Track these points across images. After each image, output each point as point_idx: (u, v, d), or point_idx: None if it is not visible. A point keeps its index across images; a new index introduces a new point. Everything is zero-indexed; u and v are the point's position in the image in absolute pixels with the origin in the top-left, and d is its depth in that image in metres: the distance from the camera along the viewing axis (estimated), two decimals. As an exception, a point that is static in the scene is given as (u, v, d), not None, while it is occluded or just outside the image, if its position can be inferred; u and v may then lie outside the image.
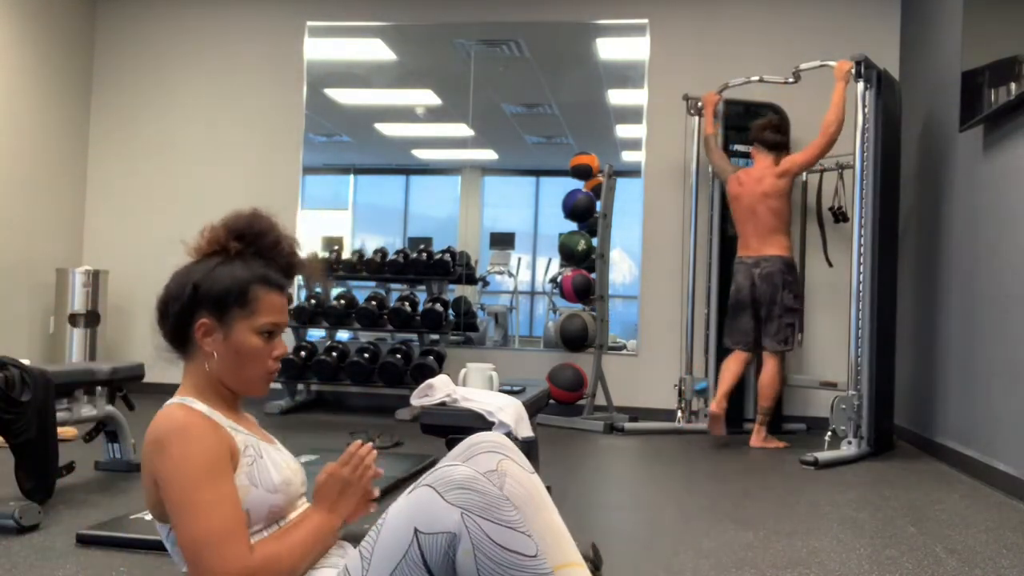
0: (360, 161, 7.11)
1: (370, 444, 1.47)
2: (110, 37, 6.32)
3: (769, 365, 4.56)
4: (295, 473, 1.44)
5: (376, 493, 1.46)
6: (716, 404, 4.50)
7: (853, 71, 4.38)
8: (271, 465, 1.37)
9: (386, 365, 5.27)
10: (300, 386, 5.64)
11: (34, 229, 5.78)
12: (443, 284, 5.69)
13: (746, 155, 5.28)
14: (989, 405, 3.67)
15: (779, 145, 4.69)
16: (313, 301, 5.52)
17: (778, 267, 4.53)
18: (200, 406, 1.36)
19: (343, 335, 5.89)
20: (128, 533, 2.34)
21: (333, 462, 1.44)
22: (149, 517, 2.42)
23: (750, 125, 4.88)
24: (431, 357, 5.29)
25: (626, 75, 6.05)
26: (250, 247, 1.45)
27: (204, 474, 1.27)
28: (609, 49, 6.07)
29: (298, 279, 1.54)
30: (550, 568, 1.27)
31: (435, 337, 5.52)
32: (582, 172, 5.67)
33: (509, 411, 2.19)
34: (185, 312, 1.39)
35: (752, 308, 4.60)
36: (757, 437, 4.54)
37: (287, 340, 5.56)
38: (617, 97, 6.19)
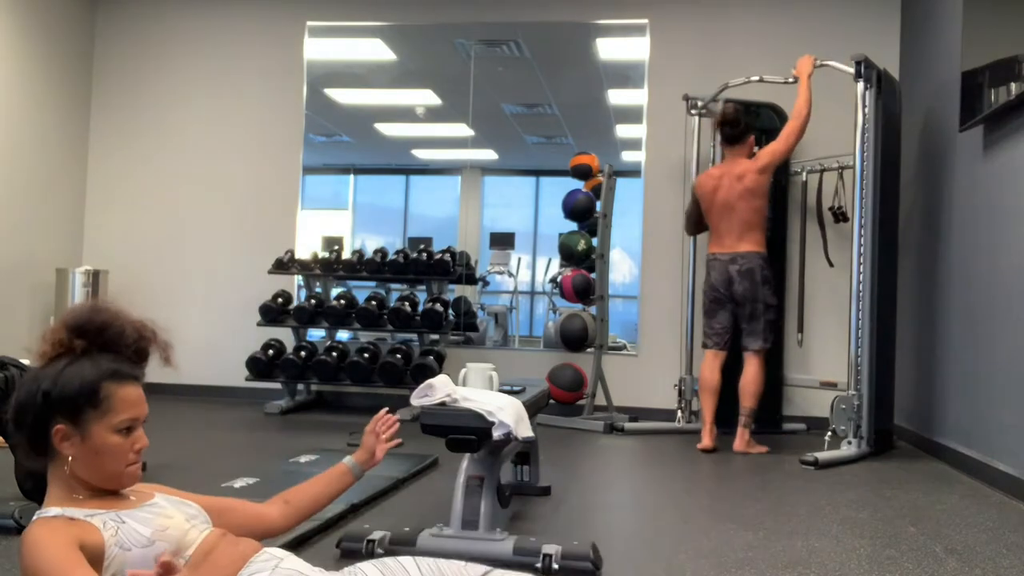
0: (360, 161, 7.11)
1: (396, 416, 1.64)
2: (110, 37, 6.32)
3: (752, 365, 4.44)
4: (170, 515, 1.45)
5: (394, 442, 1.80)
6: (709, 438, 4.36)
7: (817, 63, 4.52)
8: (136, 524, 1.39)
9: (386, 365, 5.27)
10: (300, 386, 5.64)
11: (34, 229, 5.78)
12: (443, 284, 5.69)
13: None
14: (989, 405, 3.67)
15: (740, 137, 4.54)
16: (313, 301, 5.52)
17: (756, 263, 4.43)
18: (53, 511, 1.37)
19: (343, 335, 5.90)
20: (128, 533, 2.34)
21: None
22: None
23: (752, 125, 4.87)
24: (431, 357, 5.29)
25: (626, 75, 6.05)
26: (95, 342, 1.44)
27: (56, 571, 1.28)
28: (609, 49, 6.07)
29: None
30: None
31: (435, 337, 5.52)
32: (582, 172, 5.67)
33: (509, 411, 2.19)
34: (40, 420, 1.39)
35: (731, 306, 4.51)
36: (740, 441, 4.36)
37: (287, 340, 5.58)
38: (617, 97, 6.19)
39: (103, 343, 1.45)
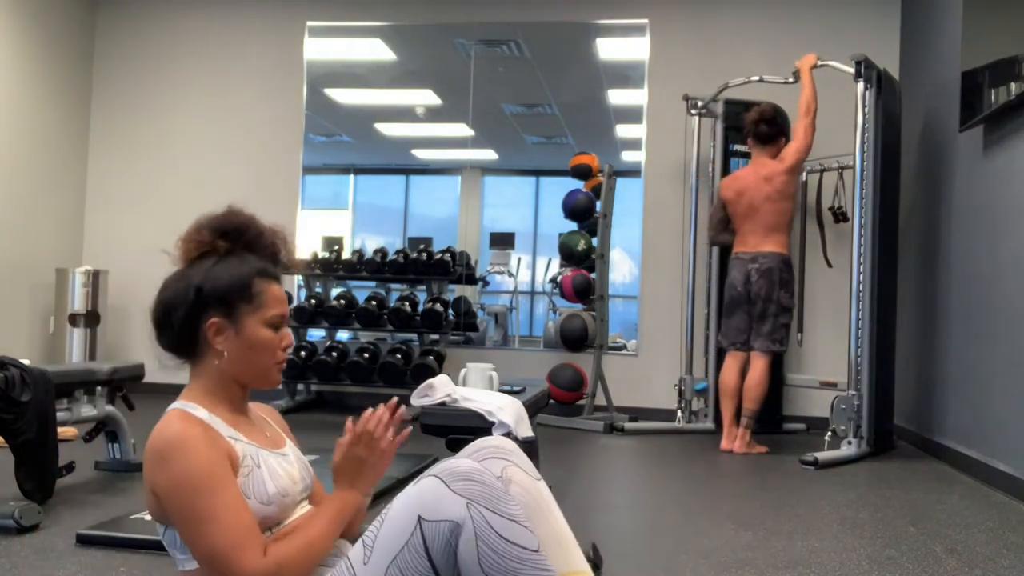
0: (360, 161, 7.11)
1: (382, 409, 1.49)
2: (110, 38, 6.32)
3: (758, 366, 4.40)
4: (295, 482, 1.43)
5: (403, 435, 1.51)
6: (728, 440, 4.37)
7: (818, 61, 4.54)
8: (267, 476, 1.36)
9: (386, 365, 5.27)
10: (300, 386, 5.64)
11: (34, 229, 5.78)
12: (443, 284, 5.69)
13: (747, 155, 5.28)
14: (989, 405, 3.67)
15: (775, 137, 4.55)
16: (313, 301, 5.52)
17: (776, 264, 4.41)
18: (202, 413, 1.35)
19: (343, 335, 5.89)
20: (128, 533, 2.34)
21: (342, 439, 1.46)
22: (149, 517, 2.42)
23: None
24: (431, 357, 5.29)
25: (626, 75, 6.05)
26: (237, 242, 1.45)
27: (206, 486, 1.26)
28: (609, 49, 6.07)
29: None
30: (551, 566, 1.27)
31: (435, 337, 5.52)
32: (582, 172, 5.67)
33: (509, 411, 2.19)
34: (191, 316, 1.38)
35: (747, 305, 4.49)
36: (741, 442, 4.35)
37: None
38: (617, 97, 6.19)
39: (244, 243, 1.45)
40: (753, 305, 4.46)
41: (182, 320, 1.38)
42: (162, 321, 1.41)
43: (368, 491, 1.45)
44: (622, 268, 6.09)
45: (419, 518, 1.24)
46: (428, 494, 1.26)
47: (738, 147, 5.27)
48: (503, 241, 6.57)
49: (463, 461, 1.30)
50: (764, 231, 4.46)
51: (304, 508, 1.45)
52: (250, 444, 1.38)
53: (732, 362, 4.52)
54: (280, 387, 5.48)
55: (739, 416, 4.41)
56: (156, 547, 2.16)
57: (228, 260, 1.42)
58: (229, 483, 1.29)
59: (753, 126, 4.58)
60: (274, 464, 1.40)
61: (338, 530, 1.38)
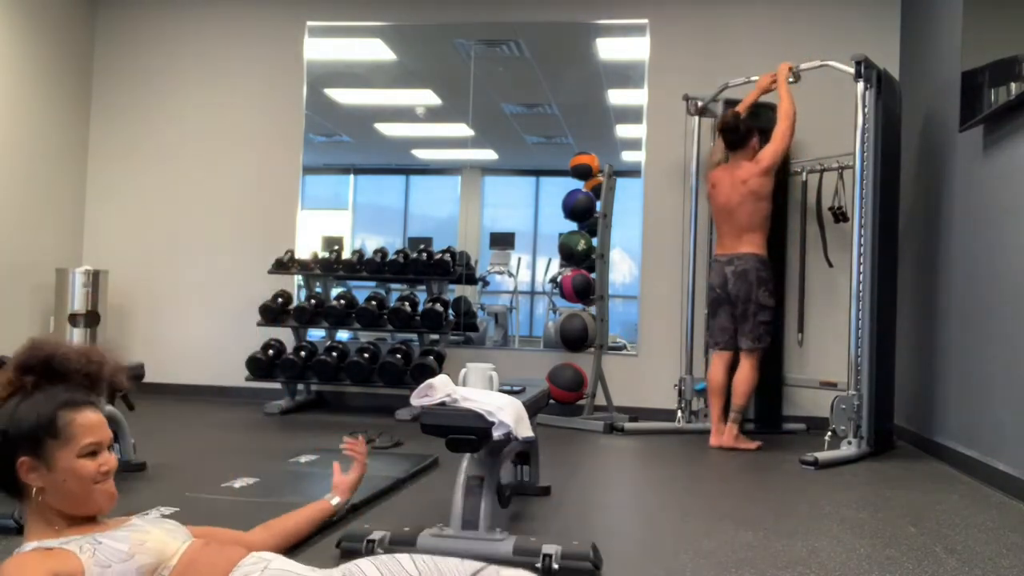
0: (360, 161, 7.11)
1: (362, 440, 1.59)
2: (110, 38, 6.32)
3: (746, 365, 4.53)
4: (148, 531, 1.46)
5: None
6: (716, 436, 4.47)
7: (795, 68, 4.68)
8: (113, 542, 1.40)
9: (386, 365, 5.27)
10: (300, 386, 5.64)
11: (34, 229, 5.78)
12: (443, 284, 5.69)
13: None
14: (989, 405, 3.67)
15: (741, 141, 4.62)
16: (313, 301, 5.52)
17: (752, 265, 4.50)
18: (30, 546, 1.38)
19: (343, 335, 5.90)
20: (128, 533, 2.34)
21: (337, 458, 1.49)
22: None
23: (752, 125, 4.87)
24: (431, 357, 5.29)
25: (626, 75, 6.05)
26: (43, 376, 1.45)
27: None
28: (609, 49, 6.07)
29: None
30: None
31: (435, 337, 5.52)
32: (582, 172, 5.67)
33: (509, 411, 2.19)
34: (3, 460, 1.40)
35: (728, 306, 4.59)
36: (728, 435, 4.44)
37: (288, 340, 5.58)
38: (617, 97, 6.19)
39: (52, 375, 1.46)
40: (734, 306, 4.56)
41: None
42: None
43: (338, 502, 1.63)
44: (622, 268, 6.09)
45: None
46: None
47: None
48: (503, 241, 6.56)
49: None
50: (739, 232, 4.56)
51: (184, 542, 1.48)
52: (84, 536, 1.41)
53: (718, 361, 4.64)
54: (280, 387, 5.49)
55: (727, 413, 4.53)
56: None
57: (34, 397, 1.43)
58: None
59: (721, 136, 4.69)
60: (116, 533, 1.44)
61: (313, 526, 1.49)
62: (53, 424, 1.40)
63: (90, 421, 1.43)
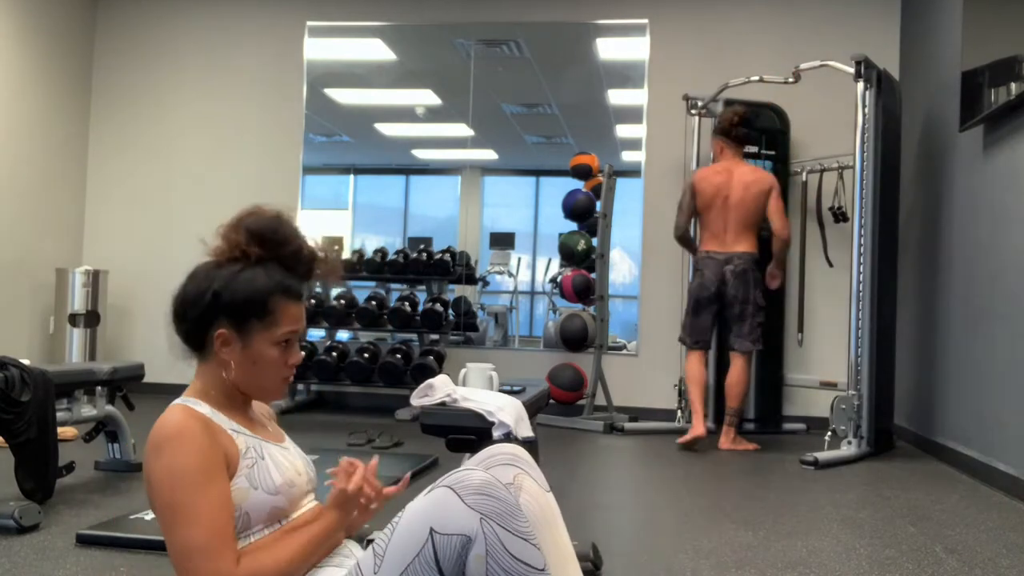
0: (360, 161, 7.11)
1: (359, 467, 1.44)
2: (110, 37, 6.31)
3: (739, 365, 4.47)
4: (300, 473, 1.43)
5: (385, 493, 1.47)
6: (703, 426, 4.39)
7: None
8: (273, 467, 1.37)
9: (386, 365, 5.27)
10: (300, 386, 5.64)
11: (34, 229, 5.78)
12: (443, 284, 5.69)
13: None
14: (989, 405, 3.67)
15: (750, 139, 4.68)
16: (313, 301, 5.52)
17: (750, 264, 4.47)
18: (203, 408, 1.35)
19: (343, 335, 5.89)
20: (128, 533, 2.34)
21: (338, 457, 1.44)
22: (149, 517, 2.42)
23: (752, 125, 4.86)
24: (431, 357, 5.29)
25: (626, 75, 6.05)
26: (271, 254, 1.43)
27: (192, 482, 1.25)
28: (609, 49, 6.07)
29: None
30: None
31: (435, 337, 5.52)
32: (582, 172, 5.67)
33: (509, 411, 2.18)
34: (203, 319, 1.38)
35: (715, 306, 4.51)
36: (726, 439, 4.42)
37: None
38: (617, 97, 6.19)
39: (279, 257, 1.43)
40: (730, 307, 4.49)
41: (195, 320, 1.39)
42: (178, 313, 1.41)
43: (351, 516, 1.43)
44: (622, 268, 6.09)
45: (431, 530, 1.23)
46: (441, 506, 1.24)
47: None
48: (503, 241, 6.57)
49: (476, 473, 1.29)
50: (738, 230, 4.50)
51: (311, 501, 1.46)
52: (253, 437, 1.38)
53: (698, 359, 4.57)
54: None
55: (713, 414, 4.54)
56: (156, 547, 2.16)
57: (254, 270, 1.40)
58: (217, 483, 1.28)
59: (732, 128, 4.61)
60: (278, 456, 1.40)
61: (318, 550, 1.36)
62: (264, 306, 1.37)
63: (295, 312, 1.41)
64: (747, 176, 4.54)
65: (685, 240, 4.74)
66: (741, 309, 4.47)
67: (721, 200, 4.51)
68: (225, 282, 1.38)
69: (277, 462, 1.38)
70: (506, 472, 1.46)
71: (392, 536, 1.26)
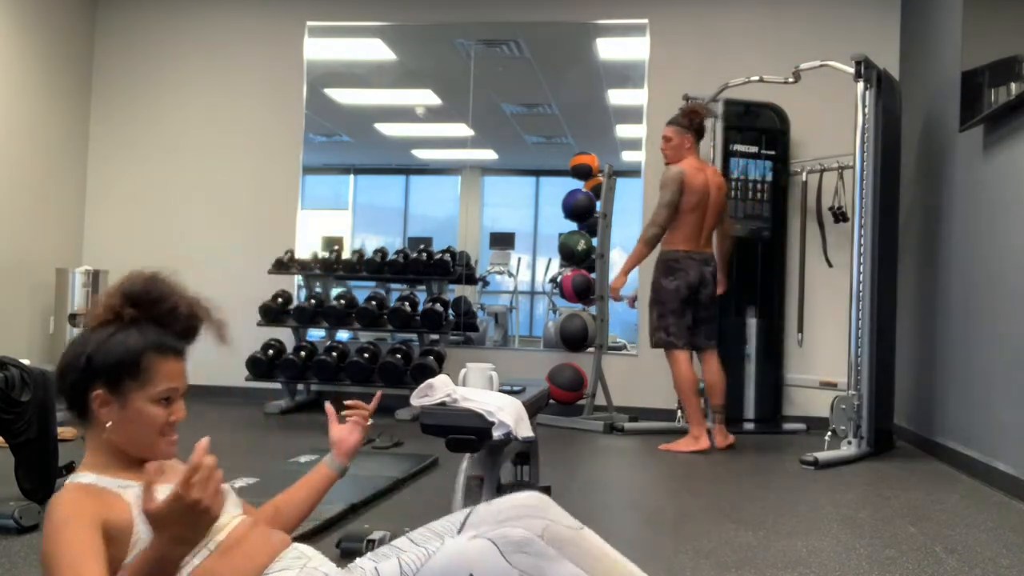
0: (360, 161, 7.12)
1: (212, 457, 1.35)
2: (110, 37, 6.31)
3: (718, 362, 4.52)
4: None
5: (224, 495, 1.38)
6: (708, 437, 4.35)
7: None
8: None
9: (386, 365, 5.27)
10: (300, 386, 5.64)
11: (34, 229, 5.78)
12: (443, 284, 5.69)
13: (747, 155, 5.29)
14: (989, 405, 3.67)
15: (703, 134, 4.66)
16: (313, 301, 5.52)
17: (716, 267, 4.56)
18: (88, 478, 1.37)
19: (343, 335, 5.90)
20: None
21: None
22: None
23: (752, 125, 4.87)
24: (431, 357, 5.29)
25: (626, 75, 6.05)
26: (145, 313, 1.44)
27: (65, 551, 1.25)
28: (609, 49, 6.08)
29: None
30: None
31: (435, 337, 5.52)
32: (582, 172, 5.67)
33: (509, 411, 2.18)
34: (81, 383, 1.39)
35: (693, 306, 4.45)
36: (723, 437, 4.41)
37: (288, 340, 5.58)
38: (617, 97, 6.19)
39: (154, 315, 1.45)
40: (705, 307, 4.49)
41: (73, 385, 1.40)
42: (60, 380, 1.43)
43: (195, 544, 1.29)
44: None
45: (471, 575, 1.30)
46: (484, 556, 1.31)
47: (739, 147, 5.27)
48: (503, 241, 6.57)
49: (517, 530, 1.35)
50: (709, 232, 4.53)
51: (235, 519, 1.46)
52: (141, 485, 1.36)
53: (687, 358, 4.49)
54: (280, 387, 5.49)
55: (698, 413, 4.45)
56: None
57: (127, 331, 1.42)
58: (91, 560, 1.25)
59: (701, 123, 4.56)
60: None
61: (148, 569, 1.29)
62: (137, 365, 1.39)
63: (172, 370, 1.42)
64: (717, 177, 4.57)
65: (660, 239, 4.51)
66: (711, 310, 4.52)
67: (704, 201, 4.43)
68: (98, 345, 1.40)
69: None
70: (534, 525, 1.47)
71: (427, 563, 1.33)
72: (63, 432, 3.28)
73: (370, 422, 1.85)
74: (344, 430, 1.81)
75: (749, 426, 5.18)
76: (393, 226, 7.00)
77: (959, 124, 3.96)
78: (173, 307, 1.47)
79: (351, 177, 7.01)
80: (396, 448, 4.09)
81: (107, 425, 1.38)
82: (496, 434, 2.14)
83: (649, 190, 5.72)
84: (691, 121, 4.52)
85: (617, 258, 5.84)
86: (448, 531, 1.53)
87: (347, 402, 1.86)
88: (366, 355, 5.38)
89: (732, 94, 5.20)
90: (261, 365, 5.39)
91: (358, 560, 1.48)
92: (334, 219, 6.79)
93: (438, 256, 5.56)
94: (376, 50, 6.29)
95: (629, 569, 1.49)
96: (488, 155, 6.81)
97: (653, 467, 4.03)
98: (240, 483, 3.01)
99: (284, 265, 5.65)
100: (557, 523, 1.48)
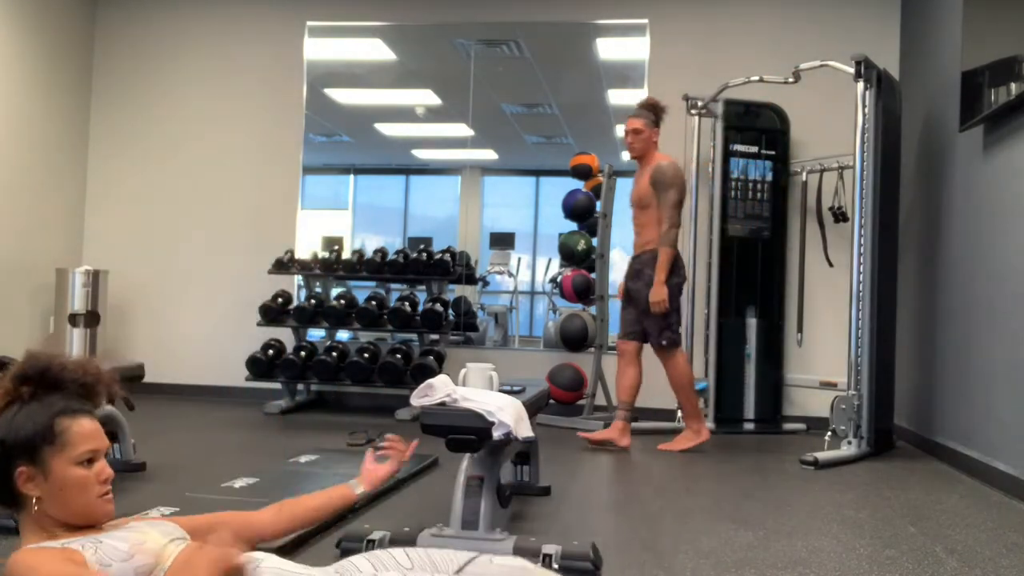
0: (360, 161, 7.12)
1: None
2: (110, 37, 6.32)
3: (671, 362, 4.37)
4: (147, 532, 1.47)
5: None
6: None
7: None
8: (115, 542, 1.40)
9: (386, 365, 5.27)
10: (300, 386, 5.64)
11: (34, 229, 5.78)
12: (443, 284, 5.69)
13: (747, 155, 5.29)
14: (989, 405, 3.67)
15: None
16: (313, 301, 5.52)
17: None
18: (31, 547, 1.38)
19: (343, 335, 5.90)
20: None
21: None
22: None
23: (752, 125, 4.85)
24: (431, 357, 5.29)
25: (626, 75, 6.05)
26: (40, 386, 1.46)
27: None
28: (609, 49, 6.07)
29: None
30: None
31: (435, 337, 5.52)
32: (582, 172, 5.67)
33: (509, 411, 2.19)
34: (1, 469, 1.40)
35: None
36: (689, 439, 4.34)
37: (288, 340, 5.58)
38: (617, 97, 6.19)
39: (48, 385, 1.47)
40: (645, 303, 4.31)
41: None
42: None
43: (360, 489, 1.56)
44: (622, 268, 6.07)
45: None
46: None
47: (738, 147, 5.27)
48: (503, 241, 6.57)
49: None
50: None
51: (183, 545, 1.49)
52: (86, 537, 1.41)
53: (686, 355, 4.45)
54: (280, 387, 5.49)
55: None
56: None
57: (30, 406, 1.43)
58: (84, 568, 1.32)
59: (660, 111, 4.38)
60: (116, 532, 1.44)
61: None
62: (50, 431, 1.40)
63: (86, 429, 1.44)
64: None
65: None
66: (647, 308, 4.32)
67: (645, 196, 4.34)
68: (6, 426, 1.41)
69: (117, 537, 1.42)
70: None
71: None
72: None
73: (407, 461, 2.10)
74: (374, 461, 2.02)
75: (749, 426, 5.18)
76: (393, 226, 7.00)
77: (959, 124, 3.96)
78: (60, 369, 1.48)
79: (351, 177, 7.01)
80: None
81: (34, 500, 1.39)
82: (496, 434, 2.14)
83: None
84: (658, 116, 4.39)
85: (617, 258, 5.84)
86: (446, 569, 1.55)
87: (388, 436, 2.07)
88: (366, 355, 5.38)
89: (732, 94, 5.20)
90: (261, 365, 5.39)
91: (353, 558, 1.49)
92: (334, 219, 6.79)
93: (438, 256, 5.56)
94: (376, 50, 6.29)
95: None
96: (488, 155, 6.81)
97: (653, 467, 4.03)
98: (240, 483, 3.01)
99: (284, 265, 5.65)
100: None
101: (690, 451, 4.30)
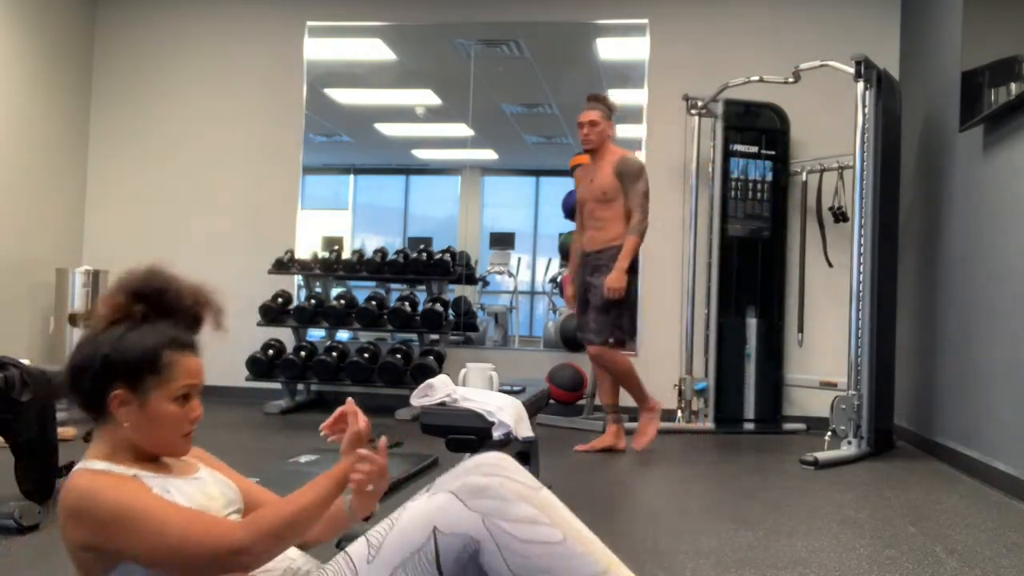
0: (360, 161, 7.12)
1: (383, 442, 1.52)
2: (110, 37, 6.31)
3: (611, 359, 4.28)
4: (213, 497, 1.44)
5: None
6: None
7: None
8: (180, 497, 1.37)
9: (386, 365, 5.27)
10: (300, 386, 5.64)
11: (34, 229, 5.78)
12: (443, 284, 5.69)
13: (747, 155, 5.28)
14: (989, 405, 3.67)
15: None
16: (313, 301, 5.52)
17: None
18: (100, 465, 1.36)
19: (343, 335, 5.90)
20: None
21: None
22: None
23: (752, 125, 4.85)
24: (431, 357, 5.29)
25: (626, 75, 6.05)
26: (153, 307, 1.44)
27: (140, 507, 1.27)
28: (609, 49, 6.08)
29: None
30: (581, 549, 1.31)
31: (435, 337, 5.52)
32: (582, 172, 5.66)
33: (509, 411, 2.19)
34: (98, 384, 1.38)
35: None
36: (652, 421, 4.25)
37: (288, 340, 5.58)
38: (617, 97, 6.16)
39: (161, 308, 1.44)
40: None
41: (89, 387, 1.39)
42: (72, 383, 1.41)
43: (346, 473, 1.46)
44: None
45: (435, 529, 1.30)
46: (444, 508, 1.32)
47: (738, 147, 5.27)
48: (503, 241, 6.57)
49: (474, 478, 1.36)
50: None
51: (235, 520, 1.45)
52: (155, 476, 1.38)
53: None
54: (280, 387, 5.49)
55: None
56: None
57: (141, 328, 1.41)
58: (153, 497, 1.30)
59: (610, 106, 4.30)
60: (185, 487, 1.40)
61: (321, 507, 1.39)
62: (157, 361, 1.37)
63: (191, 365, 1.41)
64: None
65: None
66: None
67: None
68: (114, 344, 1.38)
69: (183, 492, 1.38)
70: (493, 480, 1.46)
71: (390, 531, 1.33)
72: (63, 432, 3.28)
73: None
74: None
75: (749, 426, 5.18)
76: (393, 226, 7.00)
77: (959, 124, 3.96)
78: (178, 295, 1.46)
79: (351, 177, 7.01)
80: (396, 448, 4.08)
81: (124, 425, 1.37)
82: (496, 434, 2.14)
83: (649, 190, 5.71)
84: (611, 109, 4.33)
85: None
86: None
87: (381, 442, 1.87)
88: (366, 355, 5.38)
89: (732, 94, 5.20)
90: (261, 365, 5.39)
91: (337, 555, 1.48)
92: (334, 219, 6.79)
93: (438, 256, 5.56)
94: (376, 50, 6.29)
95: (585, 534, 1.45)
96: (488, 155, 6.81)
97: (653, 467, 4.03)
98: (240, 483, 3.00)
99: (284, 265, 5.65)
100: (515, 480, 1.46)
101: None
